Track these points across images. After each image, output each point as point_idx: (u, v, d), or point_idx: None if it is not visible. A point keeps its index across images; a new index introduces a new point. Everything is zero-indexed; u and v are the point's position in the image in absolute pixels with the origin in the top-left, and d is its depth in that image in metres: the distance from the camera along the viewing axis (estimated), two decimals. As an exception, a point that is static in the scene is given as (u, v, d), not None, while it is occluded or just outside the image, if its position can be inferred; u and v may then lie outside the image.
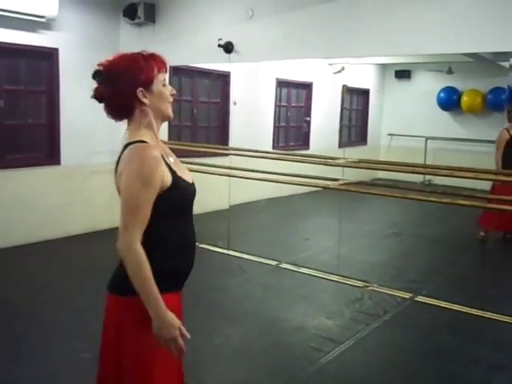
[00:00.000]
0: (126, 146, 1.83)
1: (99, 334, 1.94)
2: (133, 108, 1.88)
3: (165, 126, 7.63)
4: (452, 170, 4.35)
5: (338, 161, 4.87)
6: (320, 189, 8.99)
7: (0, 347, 3.59)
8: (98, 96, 1.89)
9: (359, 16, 4.81)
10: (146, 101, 1.87)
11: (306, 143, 10.15)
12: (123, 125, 6.02)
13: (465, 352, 3.77)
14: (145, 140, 1.84)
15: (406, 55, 6.85)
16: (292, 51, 5.39)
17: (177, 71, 7.51)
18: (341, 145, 11.19)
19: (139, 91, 1.85)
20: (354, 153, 9.35)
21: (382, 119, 12.43)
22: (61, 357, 3.47)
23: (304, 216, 8.22)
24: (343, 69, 9.56)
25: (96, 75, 1.87)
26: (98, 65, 1.88)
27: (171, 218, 1.87)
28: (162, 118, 1.96)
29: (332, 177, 5.36)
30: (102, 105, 1.91)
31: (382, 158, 10.93)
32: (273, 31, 5.40)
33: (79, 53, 6.29)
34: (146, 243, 1.77)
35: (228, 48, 5.66)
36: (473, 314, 4.38)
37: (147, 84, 1.86)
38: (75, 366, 3.34)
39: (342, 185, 4.87)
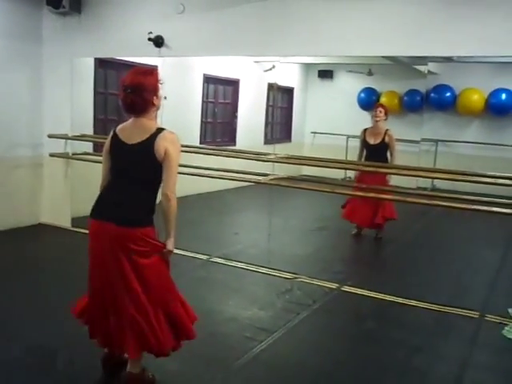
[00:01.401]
0: (158, 130, 2.88)
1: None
2: (150, 108, 2.91)
3: (90, 119, 7.44)
4: (375, 167, 4.60)
5: (269, 156, 5.00)
6: (248, 184, 9.09)
7: None
8: (130, 102, 2.85)
9: (289, 16, 4.95)
10: (156, 103, 2.93)
11: (232, 139, 10.25)
12: (46, 118, 5.96)
13: (387, 337, 4.03)
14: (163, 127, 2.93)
15: (333, 56, 7.09)
16: (222, 48, 5.45)
17: (102, 64, 7.35)
18: (266, 141, 11.42)
19: (155, 98, 2.90)
20: (279, 149, 9.57)
21: (305, 117, 12.77)
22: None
23: (233, 211, 8.33)
24: (274, 67, 9.73)
25: (127, 88, 2.83)
26: (129, 81, 2.86)
27: None
28: (156, 110, 3.00)
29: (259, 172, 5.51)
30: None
31: (305, 155, 11.26)
32: (204, 27, 5.43)
33: (0, 42, 6.00)
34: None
35: (158, 42, 5.62)
36: (394, 302, 4.67)
37: (157, 93, 2.92)
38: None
39: (272, 180, 5.00)
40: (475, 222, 7.60)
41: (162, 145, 2.82)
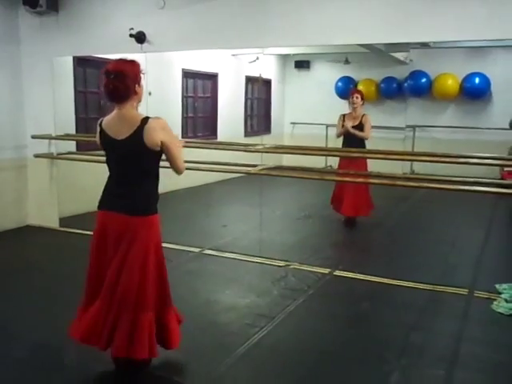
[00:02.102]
0: (144, 120, 2.90)
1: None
2: (131, 95, 2.95)
3: (71, 118, 7.39)
4: (363, 153, 4.71)
5: (257, 147, 5.07)
6: (231, 177, 9.31)
7: None
8: (112, 88, 2.88)
9: (270, 7, 4.99)
10: (138, 91, 2.99)
11: (213, 133, 10.29)
12: (28, 119, 5.96)
13: (383, 317, 4.15)
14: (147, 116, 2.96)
15: (311, 46, 7.19)
16: (204, 42, 5.47)
17: (81, 62, 7.31)
18: (246, 134, 11.49)
19: (137, 86, 2.96)
20: (259, 141, 9.67)
21: (284, 108, 12.85)
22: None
23: (219, 204, 8.40)
24: (258, 58, 9.79)
25: (110, 74, 2.87)
26: (112, 67, 2.89)
27: None
28: (138, 101, 3.05)
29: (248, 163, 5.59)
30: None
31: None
32: (185, 21, 5.44)
33: (-24, 42, 5.95)
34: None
35: (140, 38, 5.61)
36: (385, 283, 4.80)
37: (139, 81, 2.98)
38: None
39: (262, 170, 5.07)
40: (455, 205, 7.82)
41: (154, 136, 2.88)
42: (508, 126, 10.15)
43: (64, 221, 6.72)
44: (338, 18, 4.64)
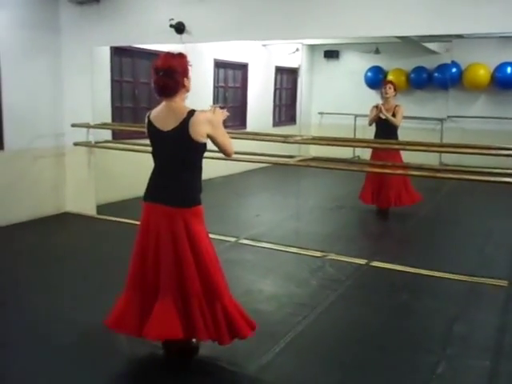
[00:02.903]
0: (190, 112, 2.94)
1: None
2: (180, 90, 3.01)
3: (108, 107, 7.50)
4: (402, 145, 4.71)
5: (295, 138, 5.10)
6: (256, 167, 9.36)
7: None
8: (162, 85, 2.95)
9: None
10: (187, 84, 3.04)
11: (243, 123, 10.33)
12: (66, 107, 6.05)
13: (424, 307, 4.18)
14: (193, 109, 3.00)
15: (358, 37, 7.17)
16: (244, 33, 5.51)
17: (118, 52, 7.41)
18: (275, 124, 11.52)
19: (185, 80, 3.01)
20: (287, 131, 9.71)
21: (311, 98, 12.82)
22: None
23: (249, 193, 8.47)
24: (297, 50, 9.79)
25: (160, 71, 2.93)
26: (160, 64, 2.94)
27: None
28: (187, 92, 3.09)
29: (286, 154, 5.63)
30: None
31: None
32: (225, 12, 5.48)
33: (19, 33, 6.05)
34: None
35: (180, 28, 5.67)
36: (424, 274, 4.81)
37: (187, 74, 3.02)
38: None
39: (299, 161, 5.11)
40: (486, 197, 7.77)
41: (199, 128, 2.94)
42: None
43: (100, 208, 6.85)
44: (381, 10, 4.62)
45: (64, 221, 6.56)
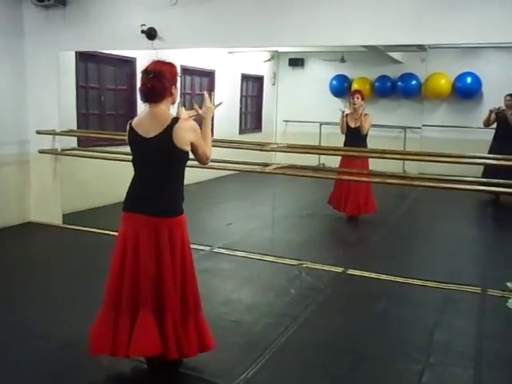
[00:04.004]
0: (174, 120, 2.91)
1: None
2: (167, 96, 2.97)
3: (73, 113, 7.27)
4: (380, 153, 4.75)
5: (271, 146, 5.07)
6: (224, 175, 9.28)
7: None
8: (150, 86, 2.91)
9: (287, 5, 4.99)
10: (174, 93, 3.02)
11: (209, 130, 10.21)
12: (31, 114, 5.89)
13: (403, 315, 4.20)
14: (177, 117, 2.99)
15: (333, 46, 7.20)
16: (218, 40, 5.45)
17: (83, 57, 7.20)
18: (241, 131, 11.48)
19: (173, 87, 2.99)
20: (253, 138, 9.69)
21: (277, 106, 12.83)
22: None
23: (218, 202, 8.39)
24: (273, 57, 9.78)
25: (150, 73, 2.90)
26: (150, 67, 2.93)
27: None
28: (172, 103, 3.05)
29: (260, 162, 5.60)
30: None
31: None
32: (198, 18, 5.41)
33: (-19, 37, 5.82)
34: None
35: (151, 34, 5.56)
36: (400, 282, 4.86)
37: (176, 83, 3.02)
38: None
39: (275, 169, 5.08)
40: (453, 204, 7.94)
41: (183, 136, 2.89)
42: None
43: (66, 217, 6.63)
44: (359, 18, 4.65)
45: (28, 231, 6.32)
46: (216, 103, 3.22)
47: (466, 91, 10.97)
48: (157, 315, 2.99)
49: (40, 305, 4.16)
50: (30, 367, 3.24)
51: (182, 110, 3.17)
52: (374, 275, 5.01)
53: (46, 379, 3.13)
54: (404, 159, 4.86)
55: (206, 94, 3.21)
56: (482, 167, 9.43)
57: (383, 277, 4.96)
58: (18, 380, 3.10)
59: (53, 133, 6.27)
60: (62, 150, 6.47)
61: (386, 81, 11.30)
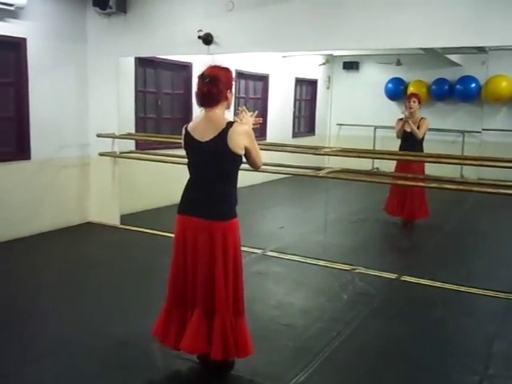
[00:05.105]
0: (229, 124, 2.94)
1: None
2: (222, 100, 3.03)
3: (131, 117, 7.50)
4: (436, 158, 4.64)
5: (325, 150, 5.05)
6: (276, 179, 9.29)
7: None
8: (206, 91, 2.96)
9: (342, 9, 4.96)
10: (229, 97, 3.06)
11: (263, 134, 10.28)
12: (92, 118, 6.08)
13: (461, 324, 4.09)
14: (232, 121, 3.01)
15: (389, 49, 7.12)
16: (273, 44, 5.48)
17: (142, 62, 7.42)
18: (294, 135, 11.49)
19: (228, 92, 3.03)
20: (306, 142, 9.65)
21: (330, 109, 12.75)
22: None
23: (270, 205, 8.42)
24: (327, 61, 9.77)
25: (206, 78, 2.96)
26: (206, 72, 2.99)
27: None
28: (227, 108, 3.11)
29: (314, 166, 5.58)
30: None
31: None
32: (253, 23, 5.46)
33: (47, 43, 6.09)
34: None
35: (207, 40, 5.66)
36: (457, 290, 4.72)
37: (231, 88, 3.06)
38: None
39: (328, 173, 5.05)
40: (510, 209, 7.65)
41: (238, 140, 2.93)
42: None
43: (123, 218, 6.83)
44: (416, 21, 4.57)
45: (87, 231, 6.55)
46: (250, 113, 3.17)
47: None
48: (207, 315, 3.05)
49: (96, 302, 4.31)
50: (85, 364, 3.35)
51: (247, 115, 3.14)
52: (429, 282, 4.89)
53: (100, 376, 3.23)
54: (461, 164, 4.69)
55: (244, 107, 3.23)
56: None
57: (439, 284, 4.84)
58: (72, 376, 3.21)
59: (112, 136, 6.48)
60: (121, 153, 6.67)
61: (443, 84, 11.01)
